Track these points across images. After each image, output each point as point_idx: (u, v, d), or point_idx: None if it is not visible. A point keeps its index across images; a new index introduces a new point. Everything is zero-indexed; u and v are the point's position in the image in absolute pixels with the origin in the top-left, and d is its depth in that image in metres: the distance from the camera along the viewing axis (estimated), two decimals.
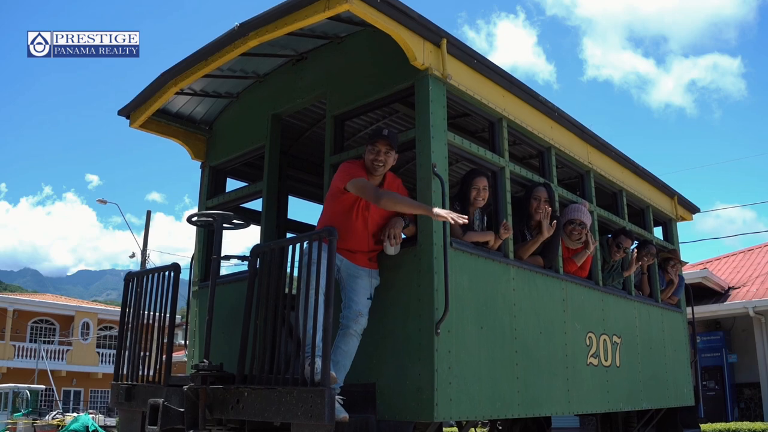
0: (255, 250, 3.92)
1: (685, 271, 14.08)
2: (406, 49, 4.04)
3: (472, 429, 6.77)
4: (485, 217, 4.55)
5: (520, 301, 4.49)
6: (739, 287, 14.60)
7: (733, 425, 11.46)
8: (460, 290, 3.96)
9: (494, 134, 4.74)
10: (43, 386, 27.53)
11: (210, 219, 4.03)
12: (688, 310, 7.58)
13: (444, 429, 11.00)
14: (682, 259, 7.41)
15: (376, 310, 4.00)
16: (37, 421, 22.89)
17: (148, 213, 24.95)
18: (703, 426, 11.65)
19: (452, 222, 3.50)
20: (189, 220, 4.06)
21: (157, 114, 5.55)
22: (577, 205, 5.36)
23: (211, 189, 5.71)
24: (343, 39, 4.81)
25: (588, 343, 5.23)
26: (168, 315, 4.39)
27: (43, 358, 29.81)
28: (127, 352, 4.66)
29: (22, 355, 30.72)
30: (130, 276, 4.78)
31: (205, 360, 3.85)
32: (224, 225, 4.08)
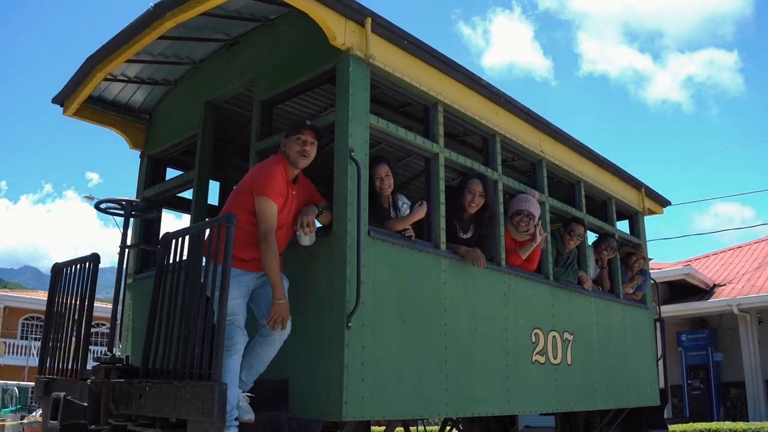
0: (164, 238, 3.73)
1: (668, 268, 13.88)
2: (325, 28, 3.83)
3: (423, 428, 6.59)
4: (400, 203, 4.34)
5: (453, 295, 4.28)
6: (725, 284, 14.35)
7: (714, 425, 11.23)
8: (378, 282, 3.75)
9: (428, 119, 4.53)
10: (33, 383, 27.38)
11: (117, 206, 3.84)
12: (677, 307, 7.37)
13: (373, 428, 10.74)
14: (650, 255, 7.19)
15: (292, 303, 3.80)
16: (26, 419, 22.76)
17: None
18: (684, 426, 11.44)
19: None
20: (97, 206, 3.86)
21: (92, 102, 5.36)
22: (525, 195, 5.14)
23: (150, 179, 5.51)
24: (273, 21, 4.61)
25: (534, 340, 5.02)
26: (86, 306, 4.22)
27: (33, 355, 29.67)
28: (49, 345, 4.52)
29: (13, 352, 30.57)
30: (56, 267, 4.61)
31: (108, 353, 3.67)
32: (133, 213, 3.88)
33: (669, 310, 12.83)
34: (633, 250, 6.79)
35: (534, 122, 5.55)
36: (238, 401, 3.33)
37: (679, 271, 13.40)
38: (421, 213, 4.15)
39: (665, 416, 12.11)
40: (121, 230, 3.70)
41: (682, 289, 13.99)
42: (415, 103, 4.55)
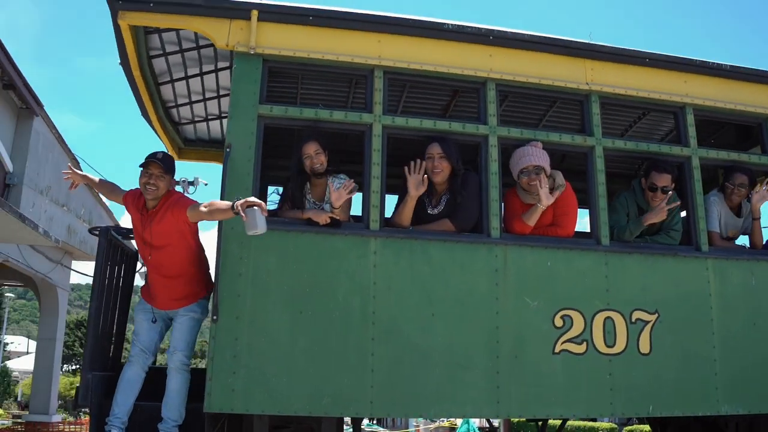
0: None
1: None
2: (205, 35, 4.01)
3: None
4: (336, 184, 4.02)
5: (389, 279, 3.78)
6: None
7: None
8: (262, 272, 3.66)
9: (366, 89, 4.15)
10: None
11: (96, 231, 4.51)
12: None
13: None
14: None
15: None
16: None
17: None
18: None
19: None
20: (91, 231, 4.56)
21: (193, 143, 6.42)
22: (524, 148, 4.14)
23: None
24: None
25: (559, 324, 3.96)
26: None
27: None
28: None
29: None
30: None
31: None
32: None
33: None
34: None
35: (571, 51, 4.42)
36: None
37: None
38: (310, 214, 3.84)
39: None
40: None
41: None
42: (346, 76, 4.23)
